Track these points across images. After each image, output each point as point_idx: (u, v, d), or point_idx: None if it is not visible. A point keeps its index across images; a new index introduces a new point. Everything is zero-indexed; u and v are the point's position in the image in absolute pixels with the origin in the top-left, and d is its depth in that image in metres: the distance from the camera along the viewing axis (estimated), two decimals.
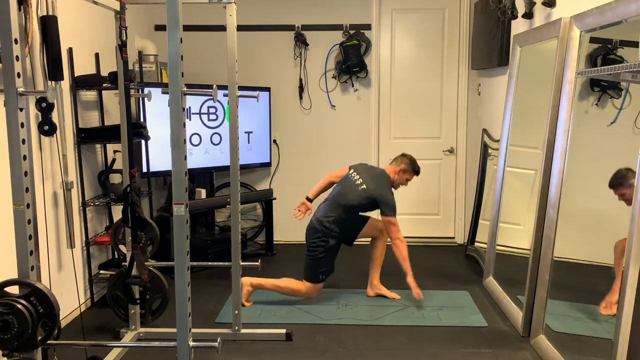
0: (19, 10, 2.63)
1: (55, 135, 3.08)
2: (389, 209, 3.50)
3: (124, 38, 2.41)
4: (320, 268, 3.53)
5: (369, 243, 3.81)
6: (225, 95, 2.83)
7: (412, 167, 3.69)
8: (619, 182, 2.48)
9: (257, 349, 2.98)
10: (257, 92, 2.88)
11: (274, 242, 4.81)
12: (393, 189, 3.66)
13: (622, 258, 2.27)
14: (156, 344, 2.86)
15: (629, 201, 2.35)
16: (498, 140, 3.90)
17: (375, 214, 3.70)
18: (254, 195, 4.82)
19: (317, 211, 3.65)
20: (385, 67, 4.95)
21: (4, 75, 1.61)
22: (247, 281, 3.52)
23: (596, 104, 2.79)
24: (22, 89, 1.63)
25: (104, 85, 3.42)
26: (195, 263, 2.89)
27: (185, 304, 1.93)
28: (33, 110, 2.63)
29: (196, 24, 4.67)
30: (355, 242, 3.76)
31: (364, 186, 3.55)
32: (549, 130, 2.95)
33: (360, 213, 3.63)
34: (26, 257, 1.70)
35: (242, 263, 3.03)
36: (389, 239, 3.63)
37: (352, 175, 3.65)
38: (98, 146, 3.70)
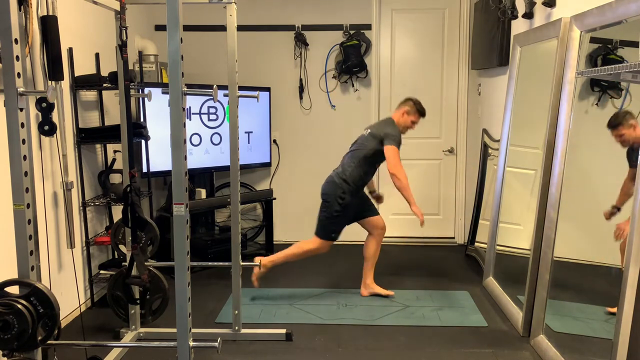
0: (19, 10, 2.62)
1: (55, 135, 3.08)
2: (391, 138, 3.49)
3: (124, 38, 2.41)
4: (334, 226, 3.56)
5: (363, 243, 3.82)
6: (225, 95, 2.83)
7: (416, 108, 3.66)
8: (619, 121, 2.48)
9: (257, 349, 2.98)
10: (257, 92, 2.88)
11: (274, 242, 4.80)
12: (401, 133, 3.65)
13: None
14: (156, 344, 2.85)
15: (625, 142, 2.36)
16: (498, 140, 3.90)
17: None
18: (254, 195, 4.82)
19: (335, 169, 3.67)
20: (385, 67, 4.95)
21: (4, 75, 1.61)
22: (262, 261, 3.55)
23: (596, 104, 2.79)
24: (22, 89, 1.62)
25: (104, 85, 3.42)
26: (195, 263, 2.89)
27: (185, 304, 1.93)
28: (33, 110, 2.63)
29: (196, 24, 4.67)
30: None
31: (369, 130, 3.63)
32: (549, 130, 2.95)
33: (373, 160, 3.60)
34: (26, 257, 1.70)
35: (242, 263, 3.04)
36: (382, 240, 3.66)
37: (363, 132, 3.72)
38: (98, 146, 3.70)
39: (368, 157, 3.57)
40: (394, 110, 3.76)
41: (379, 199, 3.92)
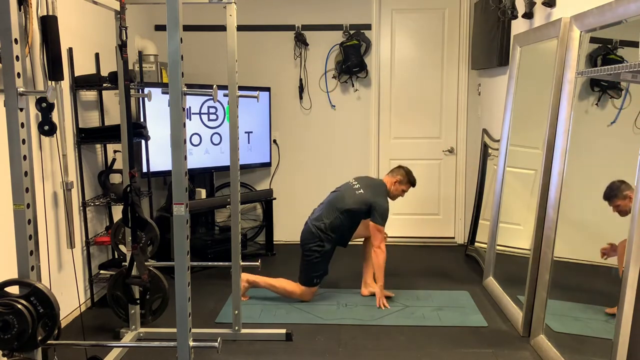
0: (19, 10, 2.62)
1: (55, 135, 3.08)
2: (380, 216, 3.53)
3: (124, 38, 2.41)
4: (315, 272, 3.56)
5: (362, 242, 3.82)
6: (225, 95, 2.83)
7: (407, 179, 3.74)
8: (614, 194, 2.50)
9: (257, 349, 2.98)
10: (257, 92, 2.88)
11: (274, 242, 4.81)
12: (390, 199, 3.70)
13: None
14: (156, 344, 2.85)
15: (623, 212, 2.38)
16: (498, 140, 3.90)
17: None
18: (254, 195, 4.82)
19: (312, 214, 3.68)
20: (385, 67, 4.95)
21: (4, 75, 1.61)
22: (243, 277, 3.53)
23: (596, 104, 2.79)
24: (22, 89, 1.63)
25: (104, 85, 3.42)
26: (195, 263, 2.89)
27: (185, 304, 1.93)
28: (33, 110, 2.63)
29: (196, 24, 4.67)
30: (352, 242, 3.77)
31: (362, 191, 3.59)
32: (549, 130, 2.95)
33: (355, 218, 3.63)
34: (26, 257, 1.70)
35: (242, 263, 3.04)
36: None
37: (351, 182, 3.72)
38: (98, 146, 3.70)
39: (350, 213, 3.57)
40: (386, 175, 3.80)
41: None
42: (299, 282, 3.58)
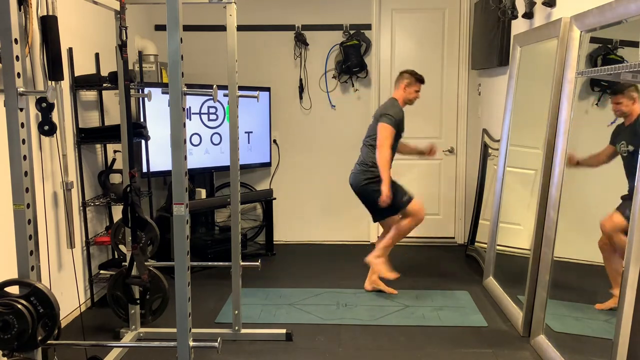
0: (19, 10, 2.62)
1: (55, 135, 3.08)
2: (385, 117, 3.56)
3: (124, 38, 2.41)
4: (396, 195, 3.55)
5: (371, 243, 3.83)
6: (225, 95, 2.83)
7: (414, 78, 3.71)
8: (620, 89, 2.48)
9: (257, 349, 2.98)
10: (257, 92, 2.88)
11: (274, 242, 4.80)
12: (410, 105, 3.73)
13: (611, 256, 2.29)
14: (156, 344, 2.86)
15: (619, 112, 2.38)
16: (498, 140, 3.90)
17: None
18: (254, 195, 4.82)
19: (357, 160, 3.75)
20: (385, 67, 4.95)
21: (4, 75, 1.61)
22: (374, 258, 3.65)
23: (596, 104, 2.79)
24: (22, 89, 1.63)
25: (104, 85, 3.42)
26: (195, 263, 2.89)
27: (185, 304, 1.93)
28: (33, 110, 2.63)
29: (196, 24, 4.67)
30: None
31: (373, 116, 3.69)
32: (549, 130, 2.95)
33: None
34: (26, 257, 1.70)
35: (242, 263, 3.04)
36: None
37: (372, 119, 3.77)
38: (98, 146, 3.70)
39: (374, 140, 3.61)
40: (394, 90, 3.79)
41: (431, 150, 3.94)
42: (399, 213, 3.61)
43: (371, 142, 3.64)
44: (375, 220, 3.75)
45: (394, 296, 3.69)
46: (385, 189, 3.50)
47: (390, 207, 3.57)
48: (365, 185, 3.60)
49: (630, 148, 2.30)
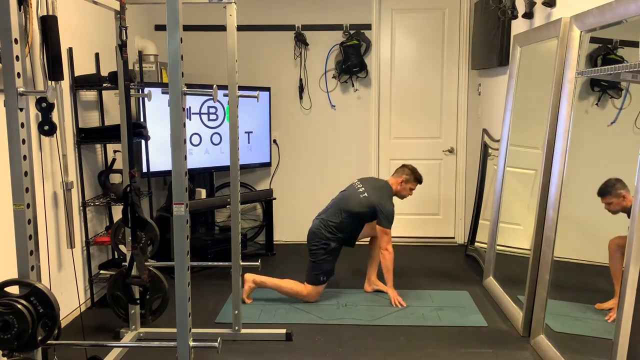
0: (19, 10, 2.62)
1: (55, 135, 3.08)
2: (386, 219, 3.54)
3: (124, 38, 2.41)
4: (321, 270, 3.55)
5: (368, 243, 3.82)
6: (225, 95, 2.83)
7: (414, 177, 3.71)
8: (608, 190, 2.51)
9: (257, 349, 2.98)
10: (257, 92, 2.88)
11: (274, 242, 4.81)
12: (399, 199, 3.72)
13: (617, 257, 2.28)
14: (156, 344, 2.85)
15: (613, 211, 2.38)
16: (498, 140, 3.90)
17: None
18: (254, 195, 4.82)
19: (319, 215, 3.69)
20: (385, 67, 4.95)
21: (4, 75, 1.61)
22: (249, 277, 3.56)
23: (596, 104, 2.79)
24: (22, 89, 1.62)
25: (104, 85, 3.42)
26: (195, 263, 2.89)
27: (185, 304, 1.93)
28: (33, 110, 2.63)
29: (196, 24, 4.67)
30: (356, 242, 3.77)
31: (366, 194, 3.59)
32: (549, 130, 2.95)
33: (360, 220, 3.64)
34: (26, 257, 1.70)
35: (242, 263, 3.04)
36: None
37: (356, 184, 3.71)
38: (98, 146, 3.70)
39: (355, 215, 3.59)
40: (391, 176, 3.78)
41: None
42: (306, 281, 3.58)
43: (347, 211, 3.56)
44: (305, 279, 3.61)
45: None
46: (391, 292, 3.59)
47: (312, 273, 3.56)
48: (319, 248, 3.55)
49: None
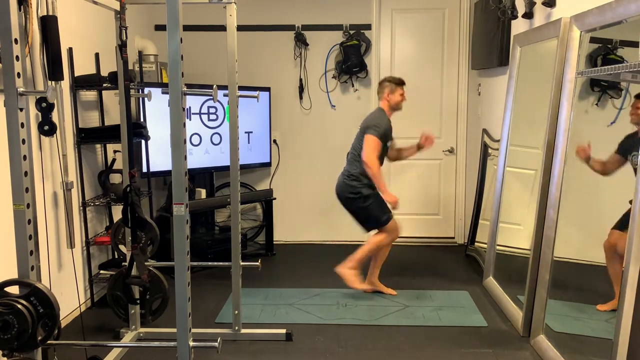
0: (19, 10, 2.62)
1: (55, 135, 3.08)
2: (372, 129, 3.57)
3: (124, 38, 2.41)
4: (378, 213, 3.60)
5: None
6: (225, 95, 2.83)
7: (394, 84, 3.70)
8: None
9: (257, 349, 2.98)
10: (257, 92, 2.88)
11: (274, 242, 4.81)
12: (399, 110, 3.75)
13: (613, 258, 2.28)
14: (156, 344, 2.85)
15: (636, 117, 2.34)
16: (498, 140, 3.90)
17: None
18: (254, 195, 4.82)
19: (342, 172, 3.74)
20: (385, 67, 4.95)
21: (4, 75, 1.61)
22: (344, 271, 3.66)
23: (596, 104, 2.79)
24: (22, 89, 1.62)
25: (104, 85, 3.42)
26: (195, 263, 2.89)
27: (185, 304, 1.93)
28: (33, 110, 2.63)
29: (196, 24, 4.67)
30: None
31: (360, 128, 3.69)
32: (549, 130, 2.95)
33: None
34: (26, 257, 1.70)
35: (242, 263, 3.04)
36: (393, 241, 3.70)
37: (358, 131, 3.77)
38: (98, 146, 3.70)
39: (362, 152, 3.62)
40: (379, 100, 3.79)
41: (426, 139, 3.88)
42: (376, 228, 3.65)
43: (357, 153, 3.63)
44: (366, 231, 3.75)
45: (393, 296, 3.69)
46: (388, 196, 3.55)
47: (372, 222, 3.64)
48: (351, 199, 3.62)
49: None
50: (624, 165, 2.43)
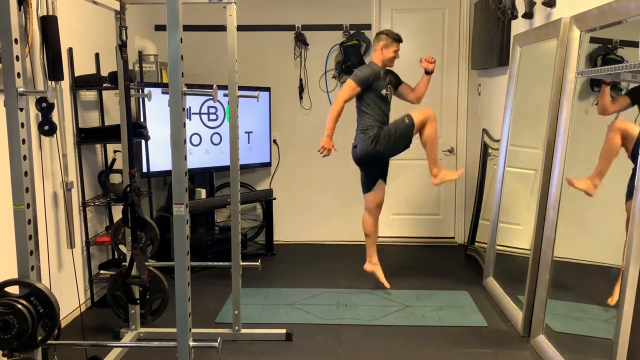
0: (19, 10, 2.62)
1: (55, 135, 3.08)
2: (353, 74, 3.63)
3: (124, 38, 2.41)
4: (364, 180, 3.77)
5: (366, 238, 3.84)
6: (225, 95, 2.83)
7: (391, 38, 3.69)
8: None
9: (257, 349, 2.98)
10: (257, 92, 2.89)
11: (274, 242, 4.80)
12: (390, 66, 3.75)
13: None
14: (156, 344, 2.85)
15: None
16: (498, 140, 3.90)
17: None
18: (254, 195, 4.82)
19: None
20: None
21: (4, 75, 1.61)
22: (370, 265, 3.73)
23: (596, 104, 2.79)
24: (22, 89, 1.63)
25: (104, 85, 3.42)
26: (195, 263, 2.89)
27: (185, 304, 1.93)
28: (33, 110, 2.63)
29: (196, 24, 4.67)
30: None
31: None
32: (549, 130, 2.95)
33: (369, 104, 3.69)
34: (26, 257, 1.70)
35: (242, 263, 3.04)
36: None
37: None
38: (98, 146, 3.70)
39: (361, 104, 3.69)
40: (372, 52, 3.78)
41: (425, 61, 3.87)
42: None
43: (358, 111, 3.72)
44: (366, 190, 3.75)
45: (393, 296, 3.69)
46: (323, 140, 3.64)
47: (403, 142, 3.67)
48: (365, 142, 3.66)
49: None
50: (627, 109, 2.43)
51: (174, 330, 1.98)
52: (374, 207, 3.74)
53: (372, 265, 3.80)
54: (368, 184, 3.73)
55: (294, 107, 4.96)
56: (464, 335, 3.14)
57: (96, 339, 3.03)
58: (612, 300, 2.41)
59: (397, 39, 3.70)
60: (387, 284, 3.75)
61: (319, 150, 3.60)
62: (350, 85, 3.57)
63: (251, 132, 4.71)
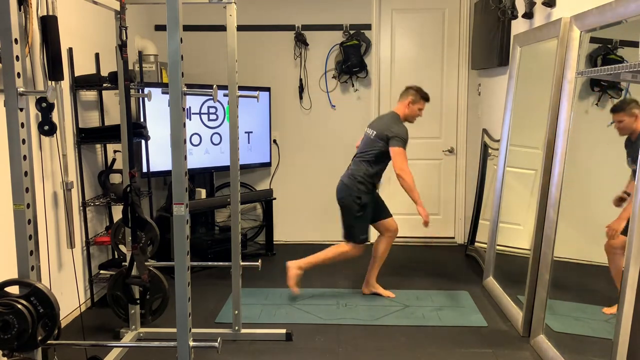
0: (19, 10, 2.62)
1: (55, 135, 3.08)
2: (396, 139, 3.49)
3: (124, 38, 2.41)
4: (359, 229, 3.58)
5: (370, 243, 3.82)
6: (225, 95, 2.83)
7: (420, 96, 3.64)
8: (622, 107, 2.49)
9: (257, 349, 2.98)
10: (257, 92, 2.88)
11: (274, 242, 4.81)
12: (410, 123, 3.67)
13: (615, 259, 2.28)
14: (156, 344, 2.85)
15: (622, 130, 2.38)
16: (498, 140, 3.90)
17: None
18: (254, 195, 4.82)
19: (346, 170, 3.68)
20: (385, 67, 4.95)
21: (4, 75, 1.61)
22: (294, 265, 3.62)
23: (596, 104, 2.79)
24: (22, 89, 1.63)
25: (104, 85, 3.42)
26: (195, 263, 2.89)
27: (185, 304, 1.93)
28: (33, 110, 2.63)
29: (196, 24, 4.67)
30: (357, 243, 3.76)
31: (374, 132, 3.59)
32: (549, 130, 2.95)
33: (381, 158, 3.59)
34: (26, 257, 1.70)
35: (242, 263, 3.04)
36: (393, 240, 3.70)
37: (367, 130, 3.69)
38: (98, 146, 3.70)
39: (377, 157, 3.57)
40: (397, 103, 3.71)
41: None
42: (348, 240, 3.61)
43: (367, 158, 3.57)
44: (346, 238, 3.64)
45: (393, 298, 3.69)
46: (421, 210, 3.51)
47: (351, 234, 3.59)
48: (350, 201, 3.55)
49: (634, 166, 2.27)
50: None
51: (174, 330, 1.98)
52: (394, 231, 3.74)
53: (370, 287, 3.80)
54: (360, 231, 3.61)
55: (294, 107, 4.97)
56: (464, 335, 3.14)
57: (96, 339, 3.03)
58: (609, 310, 2.43)
59: (426, 98, 3.67)
60: (391, 295, 3.73)
61: (424, 223, 3.51)
62: (403, 152, 3.49)
63: (251, 132, 4.71)
